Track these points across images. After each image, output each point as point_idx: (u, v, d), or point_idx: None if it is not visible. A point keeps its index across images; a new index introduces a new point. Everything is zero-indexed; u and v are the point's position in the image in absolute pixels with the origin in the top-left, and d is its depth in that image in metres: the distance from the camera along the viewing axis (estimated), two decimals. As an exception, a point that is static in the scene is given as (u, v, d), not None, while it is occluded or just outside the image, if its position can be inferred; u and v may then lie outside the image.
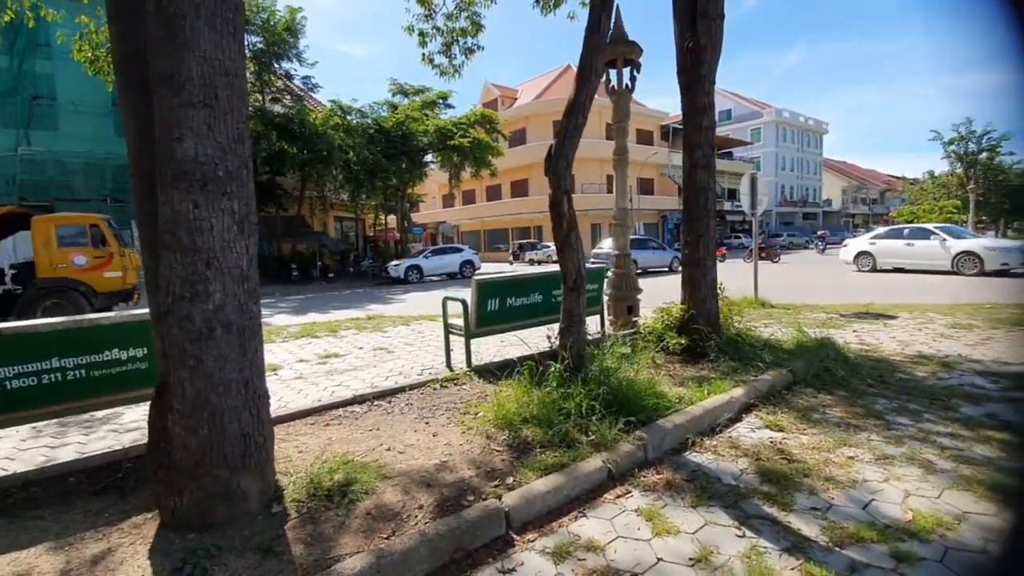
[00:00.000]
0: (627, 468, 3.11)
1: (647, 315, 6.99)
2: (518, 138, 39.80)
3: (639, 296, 7.21)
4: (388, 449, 3.41)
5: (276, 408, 4.43)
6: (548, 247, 27.36)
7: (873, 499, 2.71)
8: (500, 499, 2.61)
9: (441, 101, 27.12)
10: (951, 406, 3.98)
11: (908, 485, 2.83)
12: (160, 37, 2.28)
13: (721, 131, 46.91)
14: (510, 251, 35.64)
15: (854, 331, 6.93)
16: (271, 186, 23.36)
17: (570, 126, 3.69)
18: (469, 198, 46.15)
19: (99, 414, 4.35)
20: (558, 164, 3.71)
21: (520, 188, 41.85)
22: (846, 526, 2.47)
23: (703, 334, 5.25)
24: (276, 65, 23.02)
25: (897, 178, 73.85)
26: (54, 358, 3.18)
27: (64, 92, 19.11)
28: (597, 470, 2.96)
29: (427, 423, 3.87)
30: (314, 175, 23.16)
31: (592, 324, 6.35)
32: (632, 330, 6.65)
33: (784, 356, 5.13)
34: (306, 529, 2.46)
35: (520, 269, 23.22)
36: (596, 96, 4.16)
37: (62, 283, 10.33)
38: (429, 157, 28.32)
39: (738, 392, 4.11)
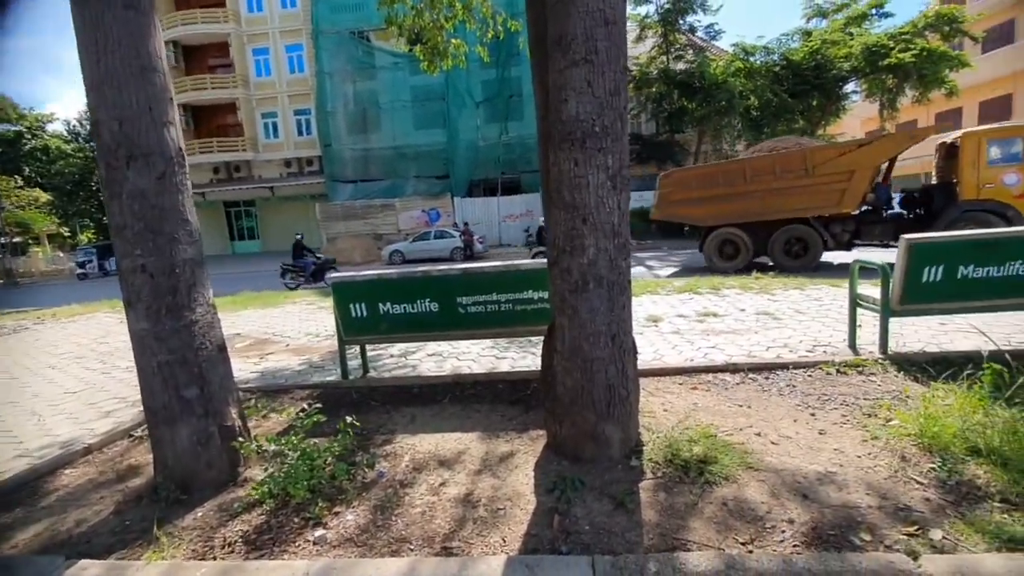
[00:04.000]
0: None
1: None
2: (998, 38, 26.65)
3: None
4: (758, 434, 2.90)
5: (651, 359, 4.51)
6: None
7: None
8: (915, 559, 1.79)
9: (874, 11, 20.88)
10: None
11: None
12: (555, 2, 2.38)
13: None
14: None
15: None
16: (669, 144, 23.84)
17: None
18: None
19: (535, 338, 5.39)
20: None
21: (995, 110, 28.31)
22: None
23: None
24: (681, 21, 22.72)
25: None
26: (492, 293, 4.09)
27: (528, 88, 24.45)
28: None
29: (812, 415, 3.10)
30: (711, 127, 22.21)
31: None
32: None
33: None
34: (658, 496, 2.34)
35: None
36: None
37: (986, 206, 9.10)
38: (851, 86, 22.64)
39: None
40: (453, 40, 7.75)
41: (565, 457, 2.75)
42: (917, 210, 10.32)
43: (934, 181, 10.58)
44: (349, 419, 2.93)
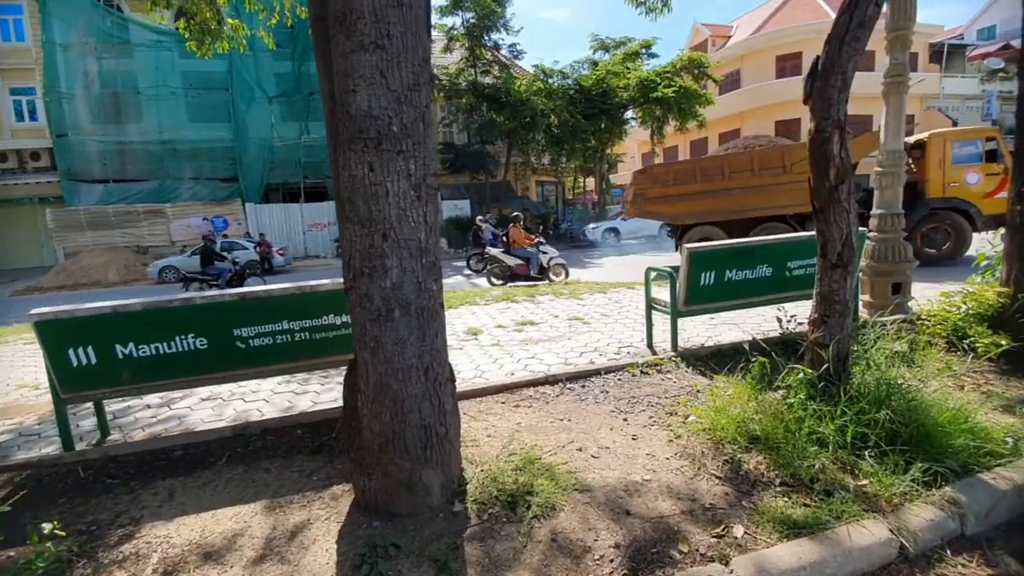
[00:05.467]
0: (930, 547, 2.04)
1: (925, 297, 5.12)
2: (730, 83, 34.68)
3: (910, 271, 5.31)
4: (579, 449, 2.90)
5: (472, 378, 4.33)
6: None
7: None
8: (727, 564, 1.87)
9: (644, 51, 24.97)
10: None
11: None
12: (332, -29, 1.98)
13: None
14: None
15: None
16: (481, 154, 24.80)
17: (853, 24, 2.46)
18: (671, 155, 42.59)
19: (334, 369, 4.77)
20: (829, 85, 2.55)
21: (731, 140, 36.91)
22: None
23: (1045, 333, 3.46)
24: (485, 37, 23.88)
25: None
26: (283, 321, 3.43)
27: (329, 86, 22.84)
28: (879, 544, 1.97)
29: (625, 420, 3.25)
30: (519, 141, 23.75)
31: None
32: (902, 316, 4.93)
33: None
34: (485, 546, 2.10)
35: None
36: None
37: (951, 204, 9.44)
38: (630, 113, 26.63)
39: None
40: (229, 20, 6.63)
41: (377, 515, 2.34)
42: None
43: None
44: (49, 526, 2.04)
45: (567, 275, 10.84)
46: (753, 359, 3.21)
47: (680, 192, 11.20)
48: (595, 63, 25.23)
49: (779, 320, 4.33)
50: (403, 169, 2.07)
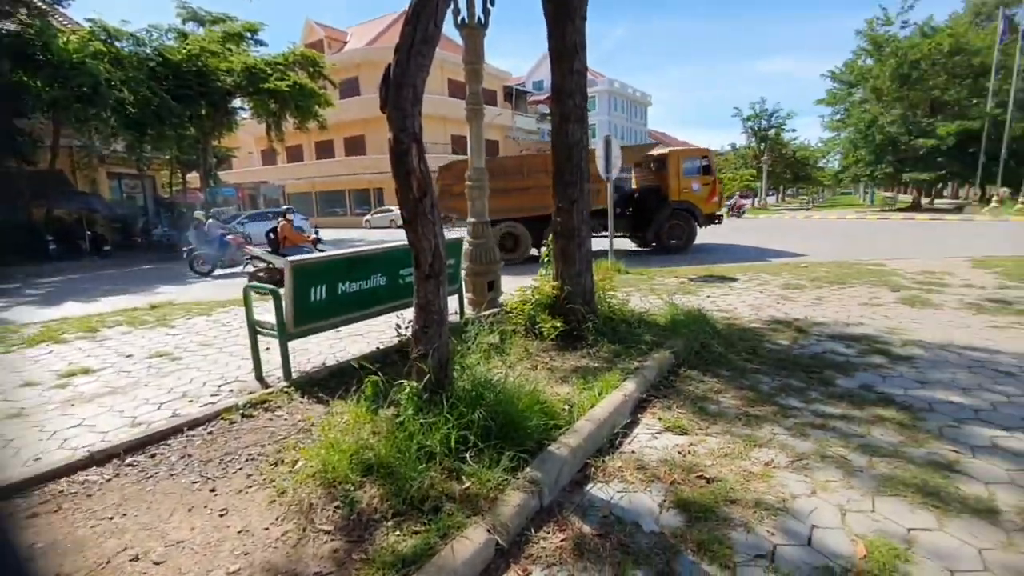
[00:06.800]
0: (520, 530, 2.26)
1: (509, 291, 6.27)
2: (350, 88, 36.11)
3: (499, 270, 6.44)
4: (135, 559, 2.07)
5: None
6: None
7: (814, 526, 2.25)
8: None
9: (249, 34, 22.76)
10: (827, 379, 3.91)
11: (838, 497, 2.45)
12: None
13: (560, 95, 48.79)
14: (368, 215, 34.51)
15: (708, 296, 7.06)
16: (7, 132, 17.53)
17: (417, 38, 2.54)
18: (296, 155, 41.07)
19: None
20: (401, 95, 2.56)
21: (356, 146, 38.41)
22: (804, 582, 1.94)
23: (580, 314, 4.63)
24: (-7, -42, 16.85)
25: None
26: None
27: None
28: (479, 549, 2.04)
29: (214, 491, 2.56)
30: (72, 118, 17.83)
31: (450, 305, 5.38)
32: (495, 310, 5.87)
33: (662, 333, 4.77)
34: None
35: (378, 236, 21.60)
36: (437, 49, 3.00)
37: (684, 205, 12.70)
38: (238, 103, 23.95)
39: (630, 387, 3.53)
40: None
41: None
42: (642, 207, 13.24)
43: (634, 186, 14.75)
44: None
45: None
46: (369, 374, 3.06)
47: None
48: (184, 35, 21.45)
49: (398, 328, 4.41)
50: None
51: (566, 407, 3.23)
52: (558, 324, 4.54)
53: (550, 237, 5.20)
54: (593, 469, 2.74)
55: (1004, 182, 25.27)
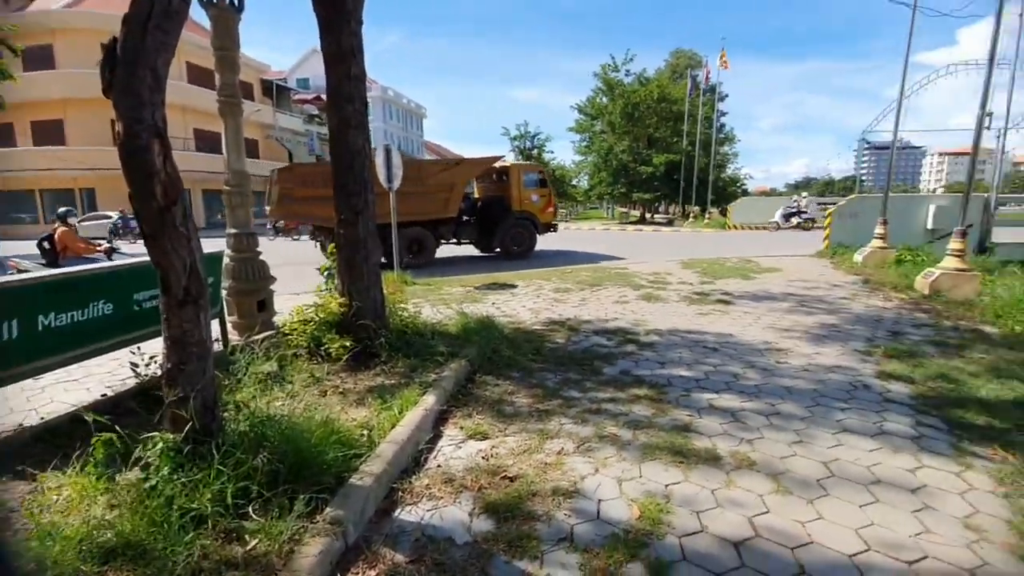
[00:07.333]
0: (324, 579, 2.03)
1: (284, 309, 5.68)
2: (41, 59, 27.69)
3: (272, 286, 5.77)
4: None
5: None
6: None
7: (600, 500, 2.56)
8: None
9: None
10: (596, 369, 4.52)
11: (615, 471, 2.83)
12: None
13: (331, 101, 46.54)
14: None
15: (493, 303, 7.52)
16: None
17: (156, 9, 2.07)
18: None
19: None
20: (135, 76, 2.05)
21: (51, 133, 29.33)
22: (598, 553, 2.18)
23: (371, 330, 4.44)
24: None
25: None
26: None
27: None
28: (278, 616, 1.76)
29: None
30: None
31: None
32: (270, 332, 5.24)
33: (456, 343, 4.88)
34: None
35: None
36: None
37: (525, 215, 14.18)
38: None
39: (430, 400, 3.51)
40: None
41: None
42: (486, 216, 14.10)
43: (477, 195, 15.75)
44: None
45: None
46: (99, 433, 2.39)
47: (328, 195, 10.24)
48: None
49: (134, 367, 3.61)
50: None
51: (365, 432, 3.05)
52: (347, 343, 4.28)
53: (330, 249, 4.89)
54: (401, 492, 2.63)
55: (696, 202, 33.68)
